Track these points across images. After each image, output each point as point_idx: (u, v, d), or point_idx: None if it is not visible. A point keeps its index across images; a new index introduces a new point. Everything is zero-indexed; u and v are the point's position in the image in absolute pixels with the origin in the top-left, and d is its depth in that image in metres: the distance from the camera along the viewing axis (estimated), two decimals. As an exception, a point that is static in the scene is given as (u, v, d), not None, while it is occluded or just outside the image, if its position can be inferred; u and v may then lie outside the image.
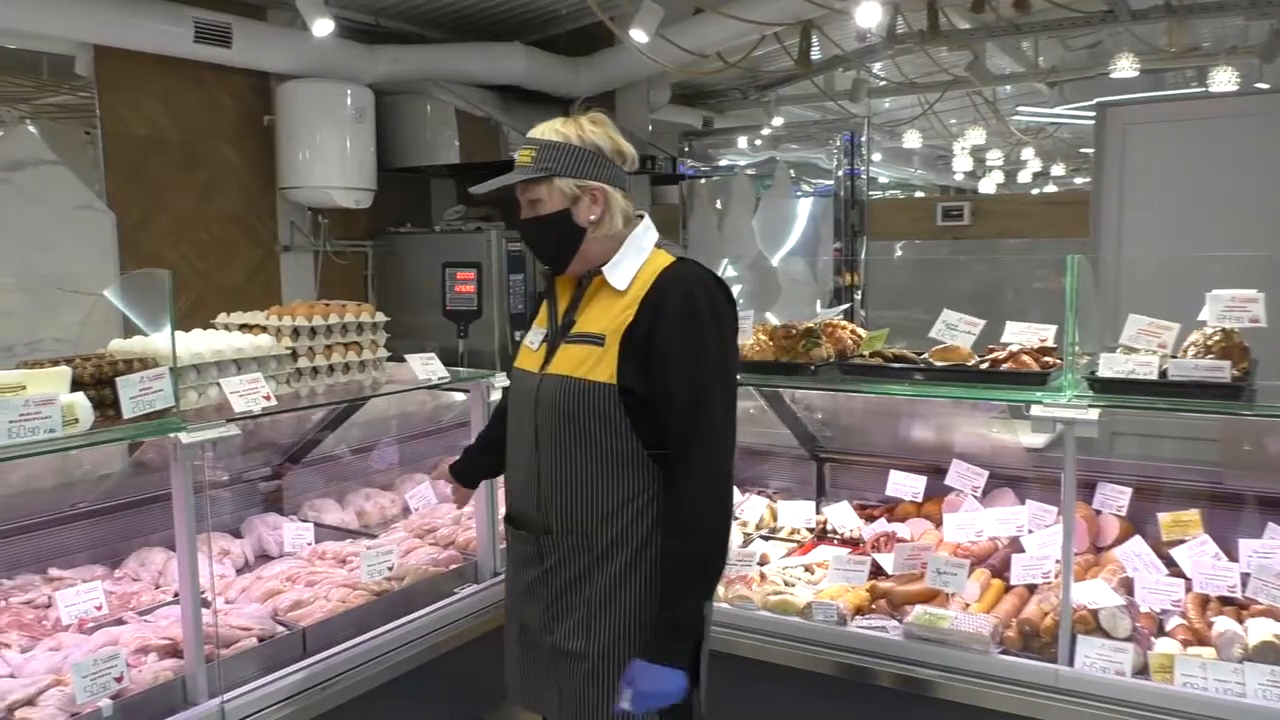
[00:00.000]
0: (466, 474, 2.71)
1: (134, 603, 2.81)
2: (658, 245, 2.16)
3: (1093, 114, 5.41)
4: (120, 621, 2.65)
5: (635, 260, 2.11)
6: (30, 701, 2.23)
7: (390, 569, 3.01)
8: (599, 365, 2.04)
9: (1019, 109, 9.43)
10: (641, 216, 2.19)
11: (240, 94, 4.46)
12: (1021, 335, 2.88)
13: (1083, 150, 10.22)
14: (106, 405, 2.31)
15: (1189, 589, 2.68)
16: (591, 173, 2.10)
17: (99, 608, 2.56)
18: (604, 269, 2.11)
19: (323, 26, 4.04)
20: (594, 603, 2.08)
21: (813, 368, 2.96)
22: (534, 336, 2.24)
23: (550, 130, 2.12)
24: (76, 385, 2.29)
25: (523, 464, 2.17)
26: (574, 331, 2.12)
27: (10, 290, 3.58)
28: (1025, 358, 2.76)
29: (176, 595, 2.69)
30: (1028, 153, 11.24)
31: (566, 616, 2.11)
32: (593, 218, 2.11)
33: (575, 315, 2.15)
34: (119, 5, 3.71)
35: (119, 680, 2.26)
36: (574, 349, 2.09)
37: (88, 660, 2.23)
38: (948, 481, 3.08)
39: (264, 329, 3.00)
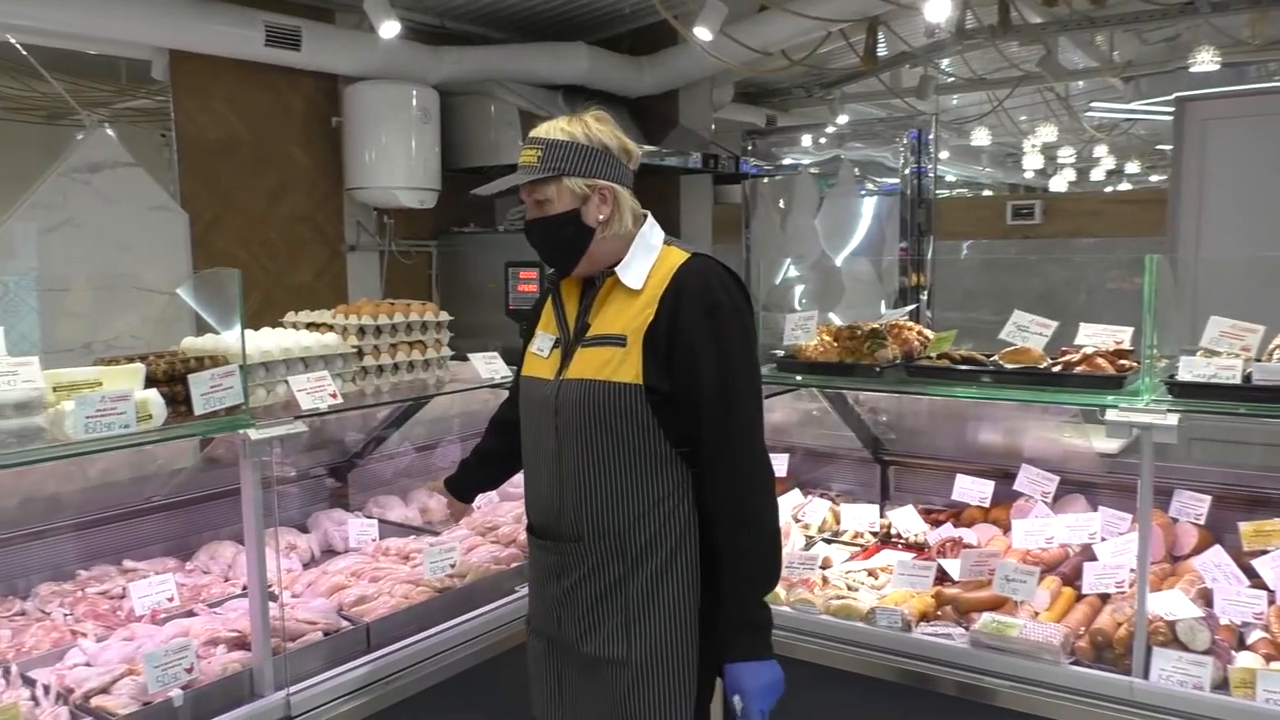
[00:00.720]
0: (462, 489, 2.72)
1: (204, 595, 2.87)
2: (666, 242, 2.14)
3: (1171, 109, 5.25)
4: (191, 613, 2.70)
5: (647, 258, 2.09)
6: (105, 690, 2.28)
7: (452, 566, 3.03)
8: (622, 366, 2.00)
9: (1092, 105, 9.19)
10: (646, 215, 2.16)
11: (309, 96, 4.54)
12: (1096, 337, 2.81)
13: (1159, 147, 9.94)
14: (179, 402, 2.36)
15: (1271, 601, 2.58)
16: (600, 171, 2.07)
17: (171, 599, 2.61)
18: (617, 269, 2.08)
19: (389, 29, 4.09)
20: (632, 607, 2.04)
21: (878, 369, 2.92)
22: (542, 343, 2.20)
23: (555, 129, 2.08)
24: (150, 382, 2.35)
25: (545, 475, 2.13)
26: (591, 334, 2.08)
27: (89, 289, 3.69)
28: (1100, 360, 2.68)
29: (245, 588, 2.74)
30: (1101, 150, 10.96)
31: (604, 623, 2.07)
32: (602, 217, 2.08)
33: (590, 318, 2.10)
34: (193, 10, 3.80)
35: (189, 671, 2.31)
36: (594, 352, 2.05)
37: (160, 651, 2.28)
38: (1017, 486, 3.02)
39: (331, 328, 3.04)
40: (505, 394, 2.69)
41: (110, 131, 3.86)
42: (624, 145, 2.11)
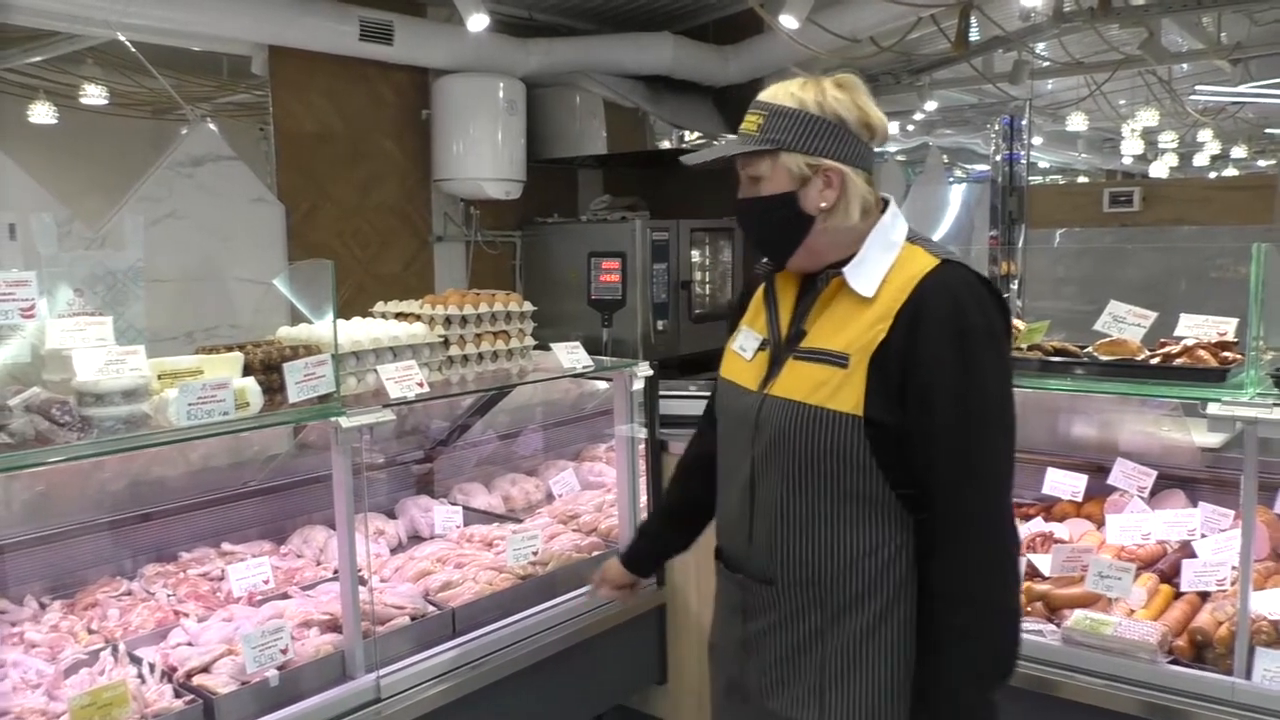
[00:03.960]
0: (645, 562, 2.32)
1: (297, 578, 2.95)
2: (910, 239, 1.77)
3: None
4: (285, 596, 2.78)
5: (884, 259, 1.73)
6: (205, 669, 2.37)
7: (535, 554, 3.07)
8: (841, 391, 1.67)
9: (1197, 88, 8.82)
10: (887, 203, 1.80)
11: (400, 89, 4.62)
12: (1198, 328, 2.71)
13: (1268, 131, 9.50)
14: (274, 390, 2.44)
15: (1385, 604, 2.46)
16: (829, 149, 1.71)
17: (266, 582, 2.70)
18: (845, 270, 1.73)
19: (478, 21, 4.13)
20: (830, 669, 1.72)
21: (967, 361, 2.85)
22: (746, 342, 1.88)
23: (784, 93, 1.74)
24: (248, 370, 2.43)
25: (736, 498, 1.84)
26: (806, 346, 1.75)
27: (191, 279, 3.82)
28: (1202, 352, 2.59)
29: (336, 572, 2.82)
30: (1205, 134, 10.52)
31: (795, 682, 1.76)
32: (824, 205, 1.73)
33: (805, 324, 1.78)
34: (292, 7, 3.89)
35: (284, 652, 2.38)
36: (807, 368, 1.73)
37: (256, 632, 2.36)
38: (1111, 481, 2.93)
39: (418, 317, 3.10)
40: (585, 384, 2.50)
41: (212, 126, 3.98)
42: (866, 118, 1.74)
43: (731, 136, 5.00)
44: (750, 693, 1.84)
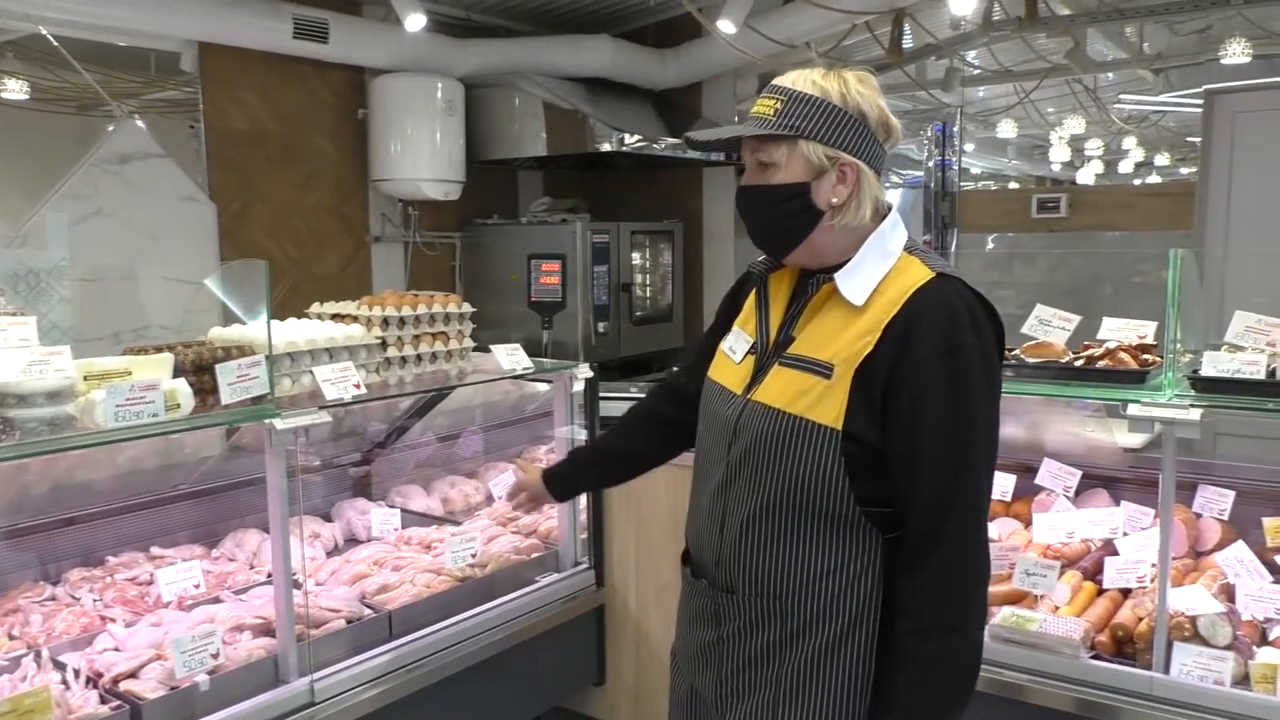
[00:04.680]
0: (564, 484, 2.33)
1: (230, 582, 2.91)
2: (908, 249, 1.71)
3: (1200, 102, 5.19)
4: (217, 600, 2.74)
5: (878, 267, 1.67)
6: (133, 674, 2.32)
7: (474, 556, 3.06)
8: (822, 402, 1.62)
9: (1121, 97, 9.09)
10: (890, 207, 1.75)
11: (336, 88, 4.57)
12: (1119, 332, 2.79)
13: (1190, 139, 9.82)
14: (206, 391, 2.40)
15: (1295, 598, 2.56)
16: (848, 143, 1.65)
17: (197, 586, 2.66)
18: (837, 275, 1.67)
19: (415, 21, 4.11)
20: (786, 684, 1.68)
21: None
22: (737, 343, 1.82)
23: (805, 80, 1.66)
24: (178, 371, 2.39)
25: (706, 503, 1.80)
26: (792, 352, 1.69)
27: (118, 279, 3.73)
28: (1123, 355, 2.67)
29: (270, 576, 2.78)
30: (1129, 142, 10.85)
31: (750, 695, 1.72)
32: (836, 200, 1.66)
33: (795, 330, 1.72)
34: (223, 3, 3.83)
35: (215, 657, 2.34)
36: (791, 375, 1.67)
37: (187, 637, 2.32)
38: (1038, 481, 3.01)
39: (355, 318, 3.07)
40: (525, 386, 2.49)
41: (140, 123, 3.90)
42: (885, 118, 1.69)
43: (672, 140, 5.05)
44: (707, 704, 1.82)
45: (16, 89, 3.60)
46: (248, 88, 4.20)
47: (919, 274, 1.65)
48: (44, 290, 3.47)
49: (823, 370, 1.63)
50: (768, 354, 1.75)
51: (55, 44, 3.48)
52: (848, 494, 1.62)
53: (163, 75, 4.07)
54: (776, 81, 1.70)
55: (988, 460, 1.64)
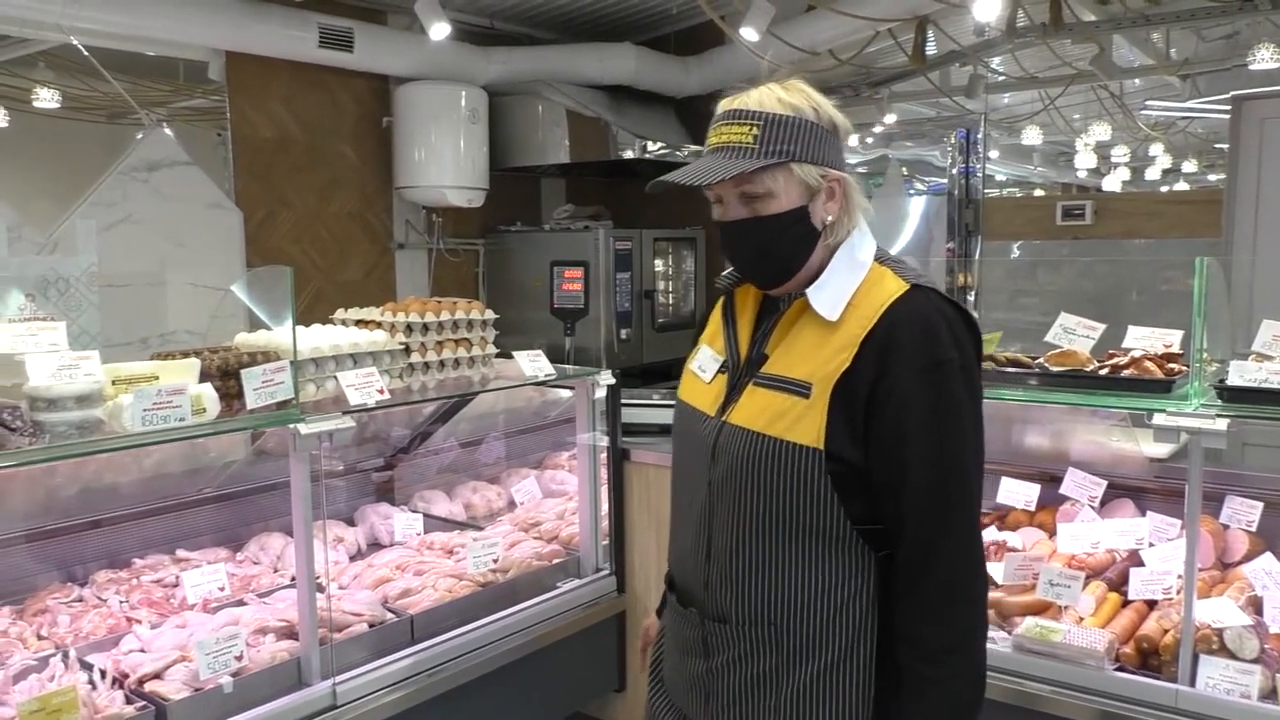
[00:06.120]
0: None
1: (254, 585, 2.93)
2: (878, 260, 1.66)
3: (1228, 108, 5.15)
4: (241, 603, 2.76)
5: (849, 281, 1.62)
6: (158, 675, 2.35)
7: (495, 561, 3.07)
8: (801, 422, 1.57)
9: (1148, 103, 9.02)
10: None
11: (360, 96, 4.60)
12: (1145, 340, 2.77)
13: (1218, 146, 9.72)
14: (232, 396, 2.42)
15: (1324, 611, 2.53)
16: (832, 158, 1.63)
17: (221, 589, 2.68)
18: (809, 291, 1.62)
19: (439, 30, 4.13)
20: (784, 713, 1.63)
21: (922, 370, 2.89)
22: (705, 363, 1.78)
23: (771, 100, 1.60)
24: (204, 376, 2.41)
25: (691, 530, 1.74)
26: (767, 372, 1.65)
27: (146, 285, 3.78)
28: (1148, 364, 2.65)
29: (293, 579, 2.80)
30: (1156, 149, 10.75)
31: None
32: (830, 218, 1.64)
33: (767, 347, 1.67)
34: (249, 13, 3.87)
35: (239, 659, 2.36)
36: (767, 395, 1.62)
37: (211, 639, 2.34)
38: (1063, 490, 2.99)
39: (379, 325, 3.10)
40: (547, 392, 2.26)
41: (168, 131, 3.94)
42: (842, 121, 1.67)
43: (695, 147, 5.06)
44: None
45: (48, 98, 3.65)
46: (273, 96, 4.24)
47: (893, 286, 1.61)
48: (73, 296, 3.51)
49: (800, 390, 1.59)
50: (740, 373, 1.70)
51: (86, 54, 3.52)
52: (838, 510, 1.58)
53: (190, 84, 4.11)
54: (738, 106, 1.63)
55: (977, 474, 1.62)
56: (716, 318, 1.82)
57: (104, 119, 3.87)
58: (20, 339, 2.22)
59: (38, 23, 3.38)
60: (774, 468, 1.58)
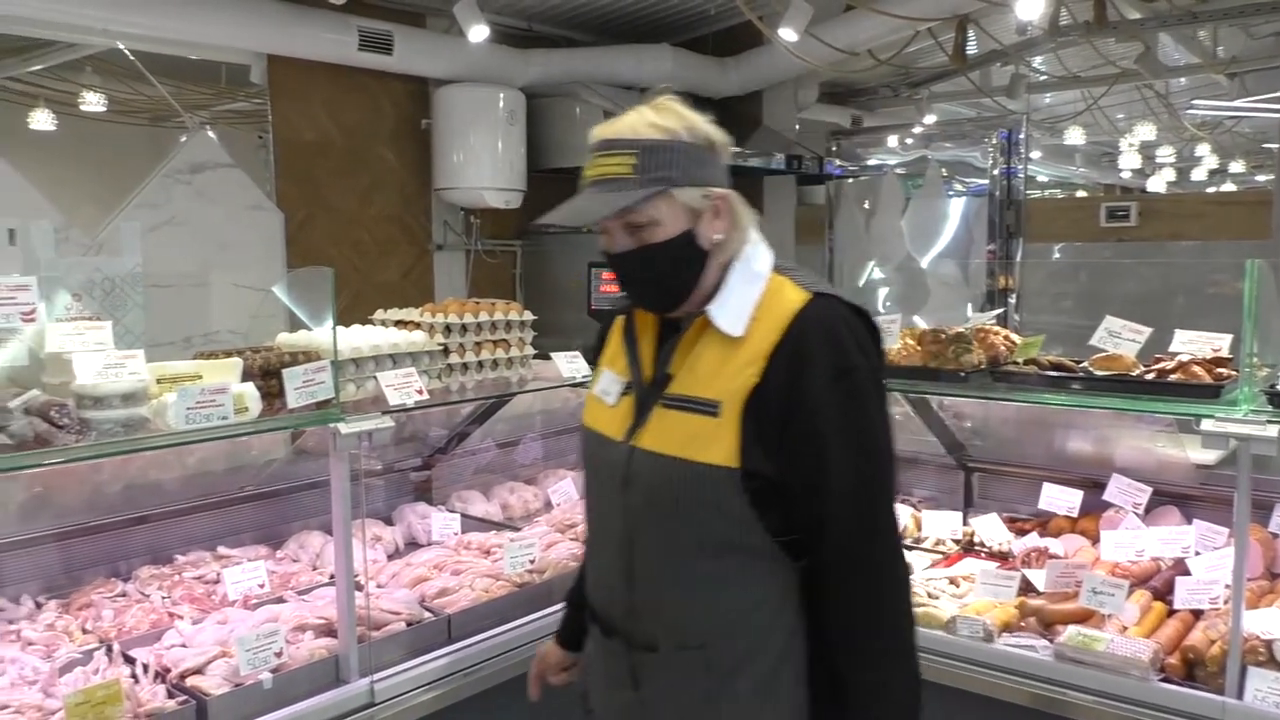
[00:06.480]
0: (574, 632, 2.04)
1: (293, 582, 2.95)
2: (777, 269, 1.64)
3: (1277, 107, 5.05)
4: (280, 600, 2.78)
5: (748, 293, 1.60)
6: (199, 670, 2.37)
7: (532, 561, 3.07)
8: (714, 443, 1.54)
9: (1194, 102, 8.87)
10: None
11: (399, 99, 4.64)
12: (1192, 344, 2.72)
13: (1266, 145, 9.55)
14: (273, 395, 2.44)
15: (1378, 623, 2.47)
16: (713, 176, 1.61)
17: (262, 586, 2.71)
18: (709, 308, 1.59)
19: (478, 33, 4.16)
20: None
21: (963, 374, 2.87)
22: (609, 385, 1.73)
23: (643, 125, 1.58)
24: (247, 376, 2.44)
25: (610, 558, 1.69)
26: (673, 392, 1.61)
27: (189, 285, 3.83)
28: (1196, 368, 2.60)
29: (332, 577, 2.82)
30: (1203, 149, 10.57)
31: None
32: (717, 237, 1.61)
33: (670, 367, 1.63)
34: (290, 17, 3.91)
35: (278, 655, 2.38)
36: (676, 416, 1.59)
37: (251, 635, 2.36)
38: (1106, 497, 2.94)
39: (418, 325, 3.11)
40: (584, 394, 2.24)
41: (211, 134, 4.00)
42: (723, 140, 1.65)
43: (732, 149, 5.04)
44: None
45: (94, 102, 3.72)
46: (314, 99, 4.28)
47: (795, 296, 1.59)
48: (119, 296, 3.57)
49: (708, 409, 1.56)
50: (646, 395, 1.65)
51: (131, 58, 3.58)
52: (758, 526, 1.56)
53: (233, 87, 4.18)
54: (612, 135, 1.59)
55: (892, 480, 1.62)
56: (616, 339, 1.78)
57: (148, 122, 3.94)
58: (68, 338, 2.25)
59: (85, 28, 3.44)
60: (691, 490, 1.56)
